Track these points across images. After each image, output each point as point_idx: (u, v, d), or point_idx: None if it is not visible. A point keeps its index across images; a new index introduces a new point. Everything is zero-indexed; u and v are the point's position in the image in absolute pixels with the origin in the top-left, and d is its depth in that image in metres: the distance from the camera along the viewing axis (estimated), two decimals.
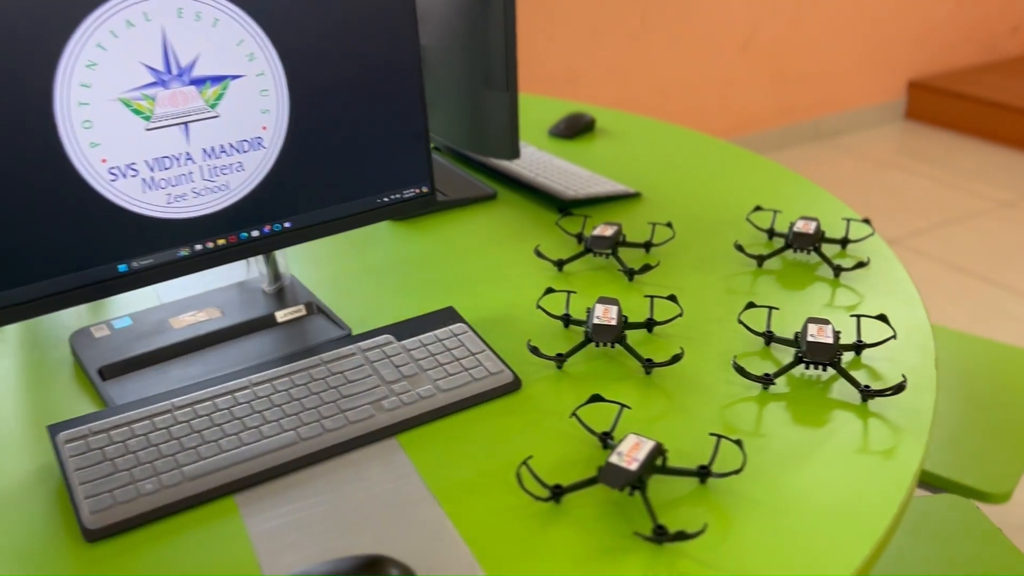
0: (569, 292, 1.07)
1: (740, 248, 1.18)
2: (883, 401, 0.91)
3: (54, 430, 0.84)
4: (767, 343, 1.01)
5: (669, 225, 1.25)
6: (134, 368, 0.97)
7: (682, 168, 1.50)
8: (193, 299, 1.08)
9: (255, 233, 0.96)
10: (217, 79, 0.89)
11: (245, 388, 0.89)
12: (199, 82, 0.88)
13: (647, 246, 1.21)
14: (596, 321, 0.97)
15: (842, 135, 4.04)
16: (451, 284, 1.15)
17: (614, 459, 0.77)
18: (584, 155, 1.58)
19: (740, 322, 1.03)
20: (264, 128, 0.93)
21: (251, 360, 0.98)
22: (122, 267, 0.89)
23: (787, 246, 1.17)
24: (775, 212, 1.28)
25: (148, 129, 0.87)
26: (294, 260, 1.22)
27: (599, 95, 3.36)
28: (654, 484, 0.80)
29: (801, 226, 1.18)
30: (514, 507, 0.78)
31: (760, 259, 1.17)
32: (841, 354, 0.93)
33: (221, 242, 0.94)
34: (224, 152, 0.92)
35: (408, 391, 0.91)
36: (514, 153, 1.23)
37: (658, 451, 0.78)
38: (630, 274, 1.14)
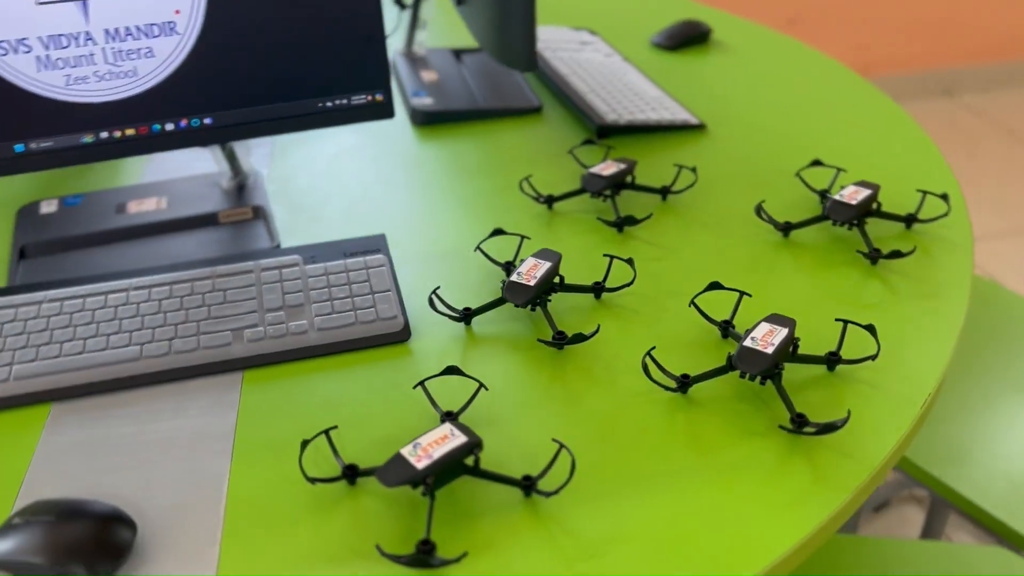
0: (522, 237, 0.92)
1: (760, 211, 0.96)
2: (823, 437, 0.71)
3: None
4: (724, 335, 0.82)
5: (694, 170, 1.05)
6: (59, 250, 0.95)
7: (782, 102, 1.26)
8: (152, 185, 1.04)
9: (169, 127, 0.89)
10: None
11: (121, 291, 0.85)
12: None
13: (664, 192, 1.02)
14: (514, 278, 0.83)
15: None
16: (427, 205, 1.03)
17: (407, 451, 0.65)
18: (677, 72, 1.37)
19: (693, 304, 0.84)
20: (177, 12, 0.85)
21: (169, 259, 0.93)
22: (18, 147, 0.86)
23: (824, 216, 0.94)
24: (838, 171, 1.04)
25: (39, 3, 0.81)
26: (283, 149, 1.14)
27: None
28: (468, 487, 0.67)
29: (848, 193, 0.94)
30: (300, 482, 0.68)
31: (786, 228, 0.95)
32: (781, 367, 0.73)
33: (130, 132, 0.88)
34: (130, 35, 0.84)
35: (280, 323, 0.82)
36: (529, 64, 1.07)
37: (468, 449, 0.65)
38: (619, 225, 0.97)
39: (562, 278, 0.85)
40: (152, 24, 0.84)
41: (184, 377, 0.79)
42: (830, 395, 0.75)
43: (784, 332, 0.75)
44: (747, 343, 0.74)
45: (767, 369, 0.72)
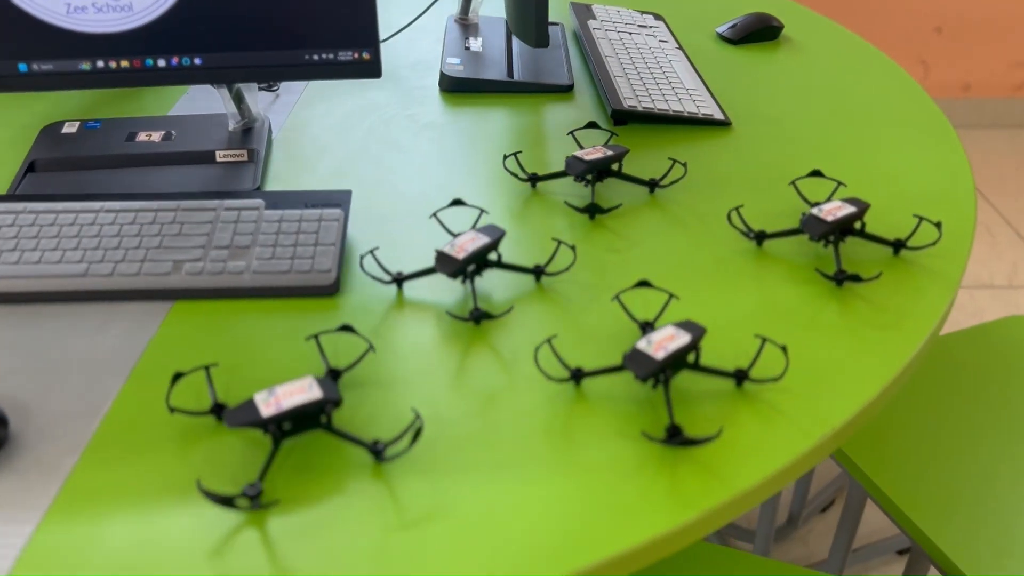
0: (481, 210, 0.92)
1: (730, 216, 0.92)
2: (695, 451, 0.68)
3: None
4: (643, 333, 0.79)
5: (684, 165, 1.01)
6: (63, 168, 1.02)
7: (827, 109, 1.20)
8: (165, 119, 1.10)
9: (161, 63, 0.93)
10: None
11: (92, 212, 0.90)
12: None
13: (651, 184, 0.99)
14: (445, 248, 0.83)
15: None
16: (419, 169, 1.04)
17: (260, 397, 0.66)
18: (732, 66, 1.32)
19: (617, 299, 0.82)
20: None
21: (157, 188, 0.98)
22: (22, 67, 0.92)
23: (800, 230, 0.89)
24: (838, 184, 0.98)
25: None
26: (308, 99, 1.18)
27: None
28: (326, 442, 0.69)
29: (828, 209, 0.89)
30: (173, 419, 0.71)
31: (760, 237, 0.91)
32: (666, 375, 0.70)
33: (125, 64, 0.93)
34: None
35: (221, 261, 0.85)
36: (540, 41, 1.05)
37: (320, 405, 0.66)
38: (593, 211, 0.95)
39: (499, 255, 0.85)
40: None
41: (120, 299, 0.83)
42: (726, 411, 0.72)
43: (685, 339, 0.72)
44: (640, 344, 0.71)
45: (652, 373, 0.69)
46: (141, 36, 0.92)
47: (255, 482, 0.63)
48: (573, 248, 0.88)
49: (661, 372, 0.70)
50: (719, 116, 1.14)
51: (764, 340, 0.75)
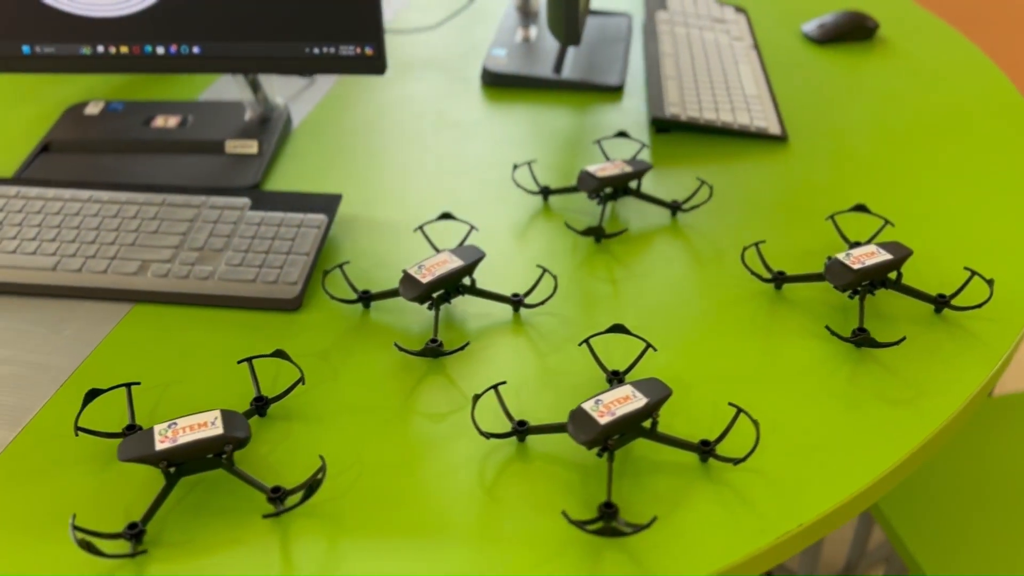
0: (471, 226, 0.85)
1: (744, 255, 0.81)
2: (630, 538, 0.59)
3: None
4: (611, 384, 0.71)
5: (711, 188, 0.90)
6: (76, 151, 1.00)
7: (906, 127, 1.06)
8: (185, 104, 1.07)
9: (160, 50, 0.90)
10: None
11: (80, 201, 0.88)
12: None
13: (673, 207, 0.89)
14: (412, 270, 0.76)
15: None
16: (431, 173, 0.98)
17: (159, 428, 0.62)
18: (811, 70, 1.18)
19: (587, 343, 0.73)
20: None
21: (161, 178, 0.96)
22: (25, 48, 0.91)
23: (821, 276, 0.78)
24: (885, 222, 0.85)
25: None
26: (344, 88, 1.13)
27: None
28: (229, 483, 0.64)
29: (858, 255, 0.77)
30: (88, 438, 0.68)
31: (778, 280, 0.80)
32: (611, 442, 0.61)
33: (124, 50, 0.90)
34: None
35: (189, 264, 0.81)
36: (571, 39, 0.96)
37: (219, 443, 0.61)
38: (597, 234, 0.86)
39: (473, 280, 0.77)
40: None
41: (83, 297, 0.81)
42: (681, 490, 0.62)
43: (639, 403, 0.63)
44: (587, 404, 0.63)
45: (594, 441, 0.61)
46: (141, 21, 0.89)
47: (136, 522, 0.59)
48: (555, 277, 0.79)
49: (605, 439, 0.61)
50: (774, 130, 1.02)
51: (739, 411, 0.65)
